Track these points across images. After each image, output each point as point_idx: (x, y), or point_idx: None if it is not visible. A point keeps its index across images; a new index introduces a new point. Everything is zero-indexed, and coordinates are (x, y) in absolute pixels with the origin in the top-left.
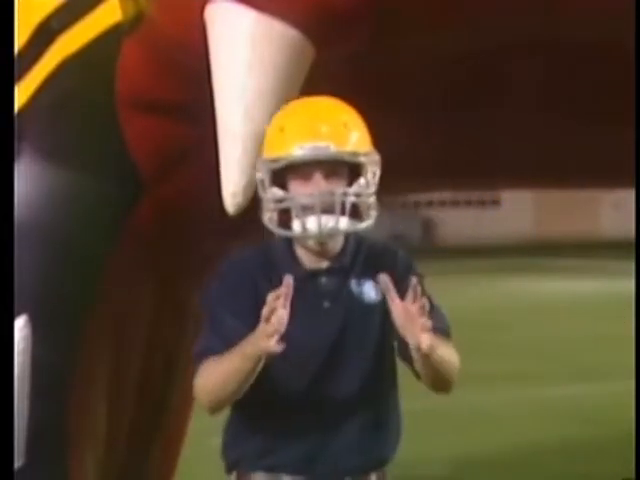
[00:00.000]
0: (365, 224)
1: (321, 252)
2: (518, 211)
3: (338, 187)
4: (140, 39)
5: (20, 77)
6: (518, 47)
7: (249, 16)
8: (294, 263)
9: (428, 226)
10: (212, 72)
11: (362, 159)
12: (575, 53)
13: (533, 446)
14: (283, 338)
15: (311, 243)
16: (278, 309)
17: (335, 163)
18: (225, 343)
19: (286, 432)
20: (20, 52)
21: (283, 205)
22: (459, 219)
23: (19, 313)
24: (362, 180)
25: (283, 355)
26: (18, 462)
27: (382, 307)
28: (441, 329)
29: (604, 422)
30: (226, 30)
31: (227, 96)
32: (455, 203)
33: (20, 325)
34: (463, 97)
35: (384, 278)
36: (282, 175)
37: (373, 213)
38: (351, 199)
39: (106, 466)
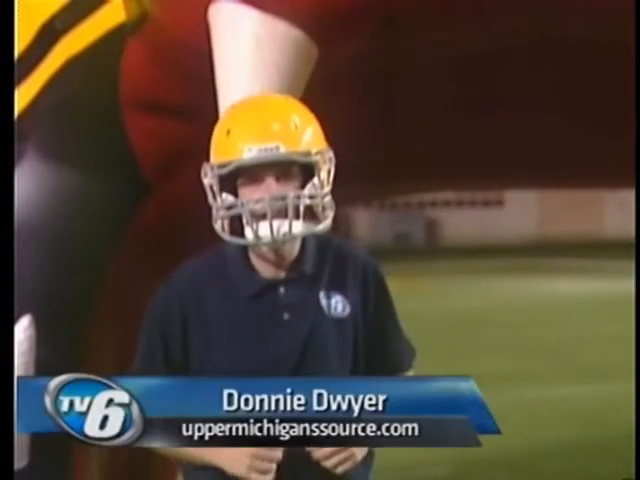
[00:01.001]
0: (321, 226)
1: (278, 260)
2: (522, 211)
3: (291, 189)
4: (144, 39)
5: (24, 77)
6: (521, 47)
7: (252, 16)
8: (250, 273)
9: (432, 226)
10: (215, 72)
11: (314, 158)
12: (578, 53)
13: (534, 446)
14: (239, 353)
15: (265, 250)
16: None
17: (286, 164)
18: None
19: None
20: (24, 52)
21: (233, 212)
22: (463, 219)
23: (23, 313)
24: (316, 180)
25: (242, 371)
26: (22, 463)
27: (351, 322)
28: (406, 367)
29: (607, 422)
30: (229, 30)
31: (230, 96)
32: (459, 203)
33: (24, 325)
34: (467, 97)
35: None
36: (231, 179)
37: (330, 214)
38: (305, 201)
39: (110, 466)
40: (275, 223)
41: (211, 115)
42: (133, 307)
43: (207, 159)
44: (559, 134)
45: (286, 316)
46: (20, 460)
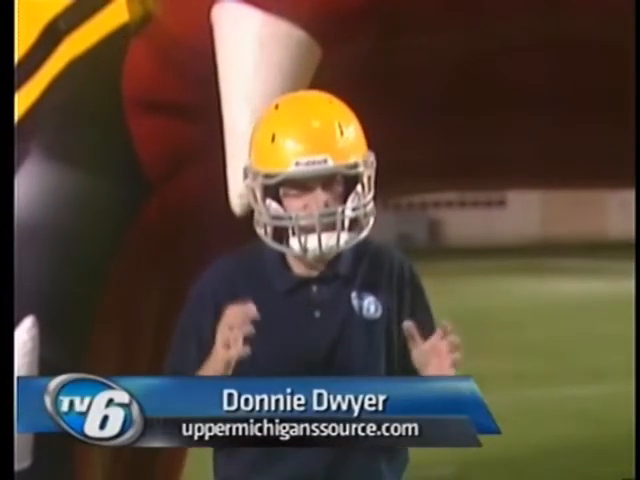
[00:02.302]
0: (364, 233)
1: (315, 261)
2: (525, 211)
3: (335, 196)
4: (147, 40)
5: (27, 78)
6: (524, 47)
7: (256, 16)
8: (284, 270)
9: (435, 227)
10: (219, 72)
11: (360, 170)
12: (580, 53)
13: (535, 446)
14: (270, 348)
15: (310, 257)
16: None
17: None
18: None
19: (277, 449)
20: (27, 53)
21: (281, 224)
22: (466, 220)
23: (26, 313)
24: (359, 188)
25: (273, 367)
26: (25, 463)
27: (383, 325)
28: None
29: (609, 423)
30: (233, 30)
31: (233, 96)
32: (462, 204)
33: (27, 325)
34: (470, 97)
35: (408, 324)
36: (274, 185)
37: (371, 219)
38: (351, 214)
39: (113, 466)
40: (323, 237)
41: (214, 116)
42: (136, 307)
43: (211, 159)
44: (561, 134)
45: (317, 314)
46: (23, 460)
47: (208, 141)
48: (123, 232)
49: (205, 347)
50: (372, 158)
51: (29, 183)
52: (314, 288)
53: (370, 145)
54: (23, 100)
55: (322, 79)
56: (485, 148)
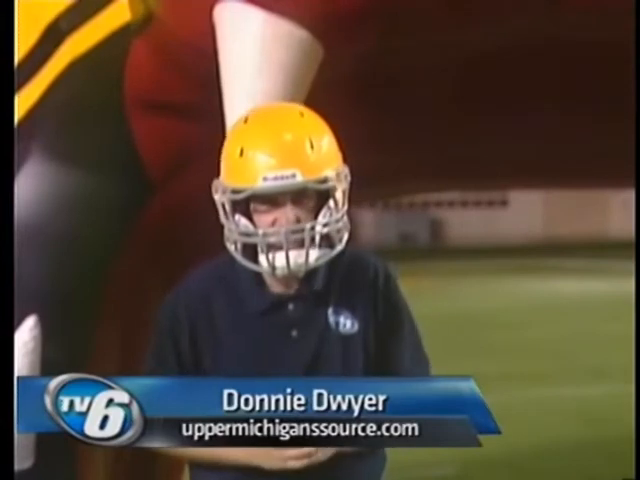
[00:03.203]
0: (337, 250)
1: (289, 278)
2: (527, 211)
3: (306, 212)
4: (149, 40)
5: (29, 78)
6: (526, 47)
7: (258, 16)
8: (259, 288)
9: (437, 226)
10: (220, 72)
11: (330, 184)
12: (582, 53)
13: (536, 446)
14: (247, 368)
15: (280, 275)
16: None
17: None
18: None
19: (255, 468)
20: (29, 53)
21: (249, 240)
22: (468, 219)
23: (29, 313)
24: (331, 203)
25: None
26: (27, 463)
27: (361, 339)
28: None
29: (611, 423)
30: (235, 30)
31: (235, 96)
32: (464, 203)
33: (30, 325)
34: (472, 97)
35: None
36: (244, 201)
37: (345, 235)
38: (322, 230)
39: (115, 467)
40: (292, 254)
41: (216, 115)
42: (138, 307)
43: (213, 159)
44: (563, 134)
45: (294, 333)
46: (26, 460)
47: (210, 141)
48: (125, 232)
49: (183, 359)
50: (346, 171)
51: (31, 183)
52: (290, 306)
53: (370, 146)
54: (25, 100)
55: (324, 79)
56: (487, 148)
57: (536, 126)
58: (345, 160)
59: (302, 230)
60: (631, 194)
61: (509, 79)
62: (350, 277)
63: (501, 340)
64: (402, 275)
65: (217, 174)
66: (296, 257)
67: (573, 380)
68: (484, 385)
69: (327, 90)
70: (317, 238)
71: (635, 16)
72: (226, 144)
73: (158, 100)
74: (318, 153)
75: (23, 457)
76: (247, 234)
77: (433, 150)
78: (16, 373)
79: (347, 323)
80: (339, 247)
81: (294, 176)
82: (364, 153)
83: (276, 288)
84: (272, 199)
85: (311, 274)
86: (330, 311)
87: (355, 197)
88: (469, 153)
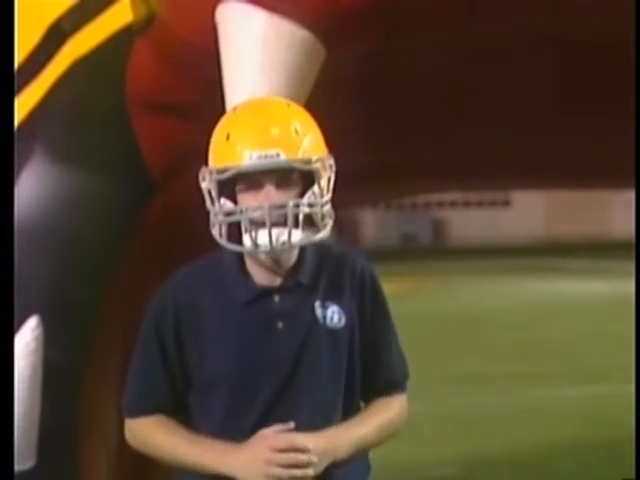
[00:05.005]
0: (320, 235)
1: (274, 267)
2: (529, 212)
3: (290, 197)
4: (151, 40)
5: (31, 79)
6: (530, 47)
7: (260, 17)
8: (245, 280)
9: (439, 227)
10: (223, 73)
11: (315, 166)
12: (584, 53)
13: (539, 446)
14: (233, 360)
15: (263, 257)
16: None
17: (286, 171)
18: (155, 400)
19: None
20: (31, 54)
21: (232, 219)
22: (470, 220)
23: (31, 313)
24: (316, 188)
25: (231, 381)
26: (29, 463)
27: (347, 333)
28: (395, 383)
29: (614, 423)
30: (237, 30)
31: (238, 96)
32: (466, 204)
33: (32, 325)
34: (475, 97)
35: None
36: (230, 185)
37: (329, 222)
38: (304, 210)
39: (117, 465)
40: (274, 231)
41: (218, 116)
42: (140, 307)
43: (207, 163)
44: (566, 135)
45: (280, 325)
46: (28, 460)
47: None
48: (127, 232)
49: (168, 361)
50: (331, 161)
51: (32, 183)
52: (276, 298)
53: (373, 145)
54: (27, 100)
55: (326, 79)
56: (490, 148)
57: (539, 126)
58: (347, 160)
59: (285, 206)
60: (632, 195)
61: (512, 79)
62: (338, 273)
63: (503, 340)
64: (404, 275)
65: None
66: (279, 235)
67: (575, 380)
68: (486, 385)
69: (329, 90)
70: (301, 218)
71: (635, 16)
72: (214, 132)
73: (160, 100)
74: (302, 138)
75: (25, 457)
76: (230, 213)
77: (435, 150)
78: (17, 374)
79: (334, 317)
80: (323, 233)
81: (278, 155)
82: (366, 153)
83: (261, 280)
84: (257, 181)
85: (298, 267)
86: (317, 304)
87: (357, 197)
88: (471, 153)
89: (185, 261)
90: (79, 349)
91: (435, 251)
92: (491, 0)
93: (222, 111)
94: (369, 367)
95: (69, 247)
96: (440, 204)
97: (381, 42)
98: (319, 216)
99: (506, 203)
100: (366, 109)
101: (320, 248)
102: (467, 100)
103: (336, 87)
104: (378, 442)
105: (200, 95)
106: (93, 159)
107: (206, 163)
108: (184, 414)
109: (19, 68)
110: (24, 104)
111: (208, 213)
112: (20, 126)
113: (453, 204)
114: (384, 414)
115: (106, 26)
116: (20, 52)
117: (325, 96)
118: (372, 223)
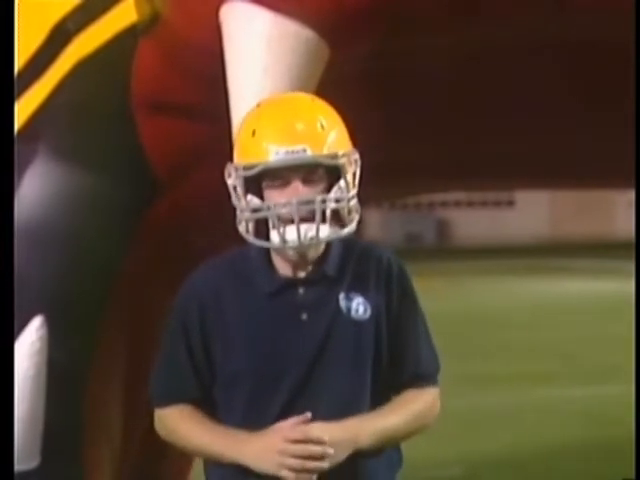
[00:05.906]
0: (347, 230)
1: (299, 259)
2: (533, 212)
3: (317, 192)
4: (155, 40)
5: (36, 79)
6: (533, 47)
7: (264, 16)
8: (270, 272)
9: (443, 226)
10: (227, 72)
11: (341, 161)
12: (586, 53)
13: (542, 446)
14: (256, 352)
15: (291, 253)
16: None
17: (313, 166)
18: (182, 390)
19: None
20: (36, 54)
21: (260, 215)
22: (474, 219)
23: (35, 314)
24: (342, 182)
25: (256, 371)
26: (33, 463)
27: (373, 325)
28: (424, 376)
29: (616, 423)
30: (241, 30)
31: (242, 96)
32: (470, 203)
33: (36, 325)
34: (478, 97)
35: None
36: (256, 181)
37: (355, 217)
38: (331, 205)
39: (122, 466)
40: (302, 227)
41: (223, 115)
42: (144, 307)
43: (220, 159)
44: (570, 135)
45: (304, 316)
46: (32, 460)
47: (217, 141)
48: (132, 232)
49: (194, 354)
50: (356, 156)
51: (38, 183)
52: (301, 290)
53: (375, 146)
54: (31, 101)
55: (330, 78)
56: (494, 148)
57: (543, 126)
58: None
59: (313, 202)
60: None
61: (516, 79)
62: (364, 265)
63: (507, 340)
64: None
65: (224, 174)
66: (307, 230)
67: (579, 381)
68: (490, 385)
69: (333, 90)
70: (328, 213)
71: (635, 16)
72: (239, 128)
73: (164, 100)
74: (328, 133)
75: (29, 457)
76: (258, 210)
77: (439, 150)
78: (22, 374)
79: (359, 309)
80: (350, 228)
81: (305, 151)
82: (369, 153)
83: (286, 272)
84: (284, 177)
85: (324, 260)
86: (342, 296)
87: (361, 197)
88: (475, 153)
89: (190, 261)
90: (83, 349)
91: (439, 251)
92: (492, 0)
93: (227, 111)
94: (396, 359)
95: (74, 247)
96: (444, 204)
97: (384, 42)
98: (346, 211)
99: (510, 203)
100: (370, 109)
101: (345, 242)
102: (470, 100)
103: (340, 87)
104: (406, 434)
105: (204, 95)
106: (97, 159)
107: (227, 160)
108: (211, 407)
109: (23, 68)
110: (28, 104)
111: (213, 213)
112: (24, 126)
113: (457, 204)
114: (412, 405)
115: (110, 26)
116: (24, 52)
117: (329, 96)
118: (376, 223)
